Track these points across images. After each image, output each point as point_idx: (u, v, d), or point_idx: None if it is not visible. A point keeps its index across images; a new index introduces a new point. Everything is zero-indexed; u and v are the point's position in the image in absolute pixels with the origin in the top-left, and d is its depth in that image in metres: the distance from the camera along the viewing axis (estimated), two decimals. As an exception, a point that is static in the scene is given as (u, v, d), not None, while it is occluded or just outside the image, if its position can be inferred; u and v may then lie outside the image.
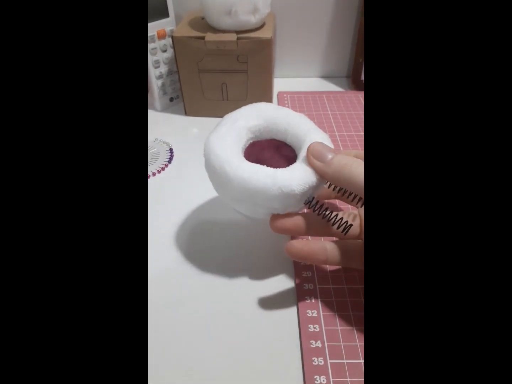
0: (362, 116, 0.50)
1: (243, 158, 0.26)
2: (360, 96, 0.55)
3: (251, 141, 0.29)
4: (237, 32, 0.44)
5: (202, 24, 0.46)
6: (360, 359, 0.24)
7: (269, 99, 0.50)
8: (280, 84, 0.59)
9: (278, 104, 0.54)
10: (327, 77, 0.62)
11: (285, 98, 0.55)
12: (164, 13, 0.47)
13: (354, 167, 0.24)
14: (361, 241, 0.28)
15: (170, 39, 0.47)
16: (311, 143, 0.26)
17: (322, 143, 0.26)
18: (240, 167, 0.25)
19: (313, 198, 0.26)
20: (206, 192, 0.38)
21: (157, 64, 0.48)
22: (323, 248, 0.26)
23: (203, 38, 0.44)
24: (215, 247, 0.33)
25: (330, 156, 0.25)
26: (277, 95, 0.56)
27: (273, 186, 0.24)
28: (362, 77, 0.56)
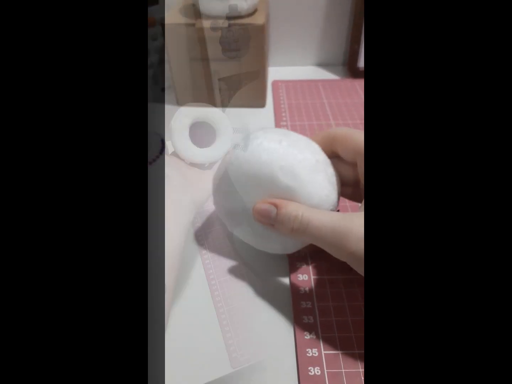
0: (358, 105, 0.49)
1: None
2: (356, 84, 0.54)
3: None
4: (229, 18, 0.43)
5: (193, 10, 0.45)
6: (354, 350, 0.24)
7: (263, 87, 0.48)
8: (275, 73, 0.58)
9: (273, 92, 0.53)
10: (322, 65, 0.60)
11: (280, 87, 0.54)
12: (154, 0, 0.46)
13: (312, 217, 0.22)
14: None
15: (160, 27, 0.46)
16: (254, 206, 0.24)
17: (263, 202, 0.24)
18: None
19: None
20: (198, 182, 0.37)
21: (147, 53, 0.47)
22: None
23: (194, 25, 0.42)
24: (205, 239, 0.32)
25: (274, 213, 0.23)
26: (272, 83, 0.55)
27: None
28: (359, 65, 0.55)
